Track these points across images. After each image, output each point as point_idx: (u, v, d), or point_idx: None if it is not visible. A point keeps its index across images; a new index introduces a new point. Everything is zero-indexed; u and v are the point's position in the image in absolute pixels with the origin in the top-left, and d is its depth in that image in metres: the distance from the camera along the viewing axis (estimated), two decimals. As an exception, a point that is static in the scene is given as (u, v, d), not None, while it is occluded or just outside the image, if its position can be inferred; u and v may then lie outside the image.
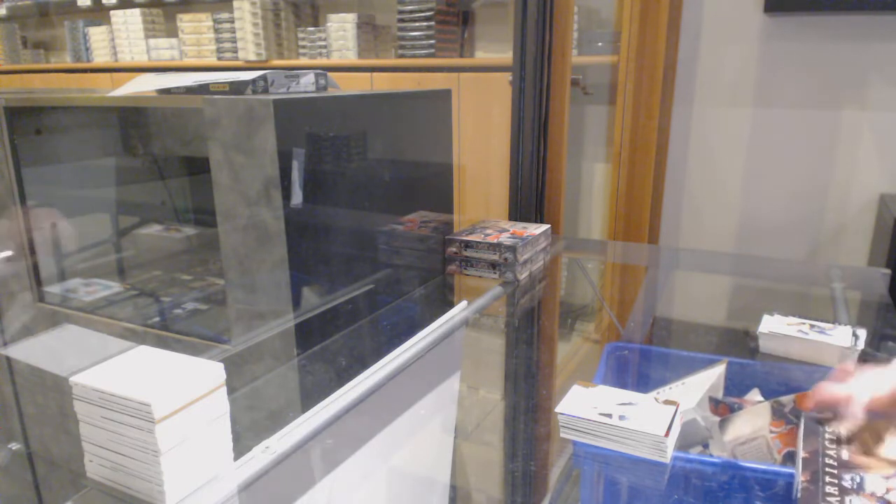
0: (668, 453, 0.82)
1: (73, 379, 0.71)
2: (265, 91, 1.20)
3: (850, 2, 2.09)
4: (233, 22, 3.35)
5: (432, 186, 1.57)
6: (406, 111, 1.43)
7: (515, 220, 1.85)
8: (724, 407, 1.05)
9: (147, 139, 1.47)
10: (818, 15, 2.21)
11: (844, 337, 1.11)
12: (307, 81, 1.30)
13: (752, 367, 1.15)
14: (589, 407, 0.88)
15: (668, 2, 2.17)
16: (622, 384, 1.19)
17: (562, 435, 0.88)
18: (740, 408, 1.03)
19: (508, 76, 1.84)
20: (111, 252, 1.75)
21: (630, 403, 0.89)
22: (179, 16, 3.55)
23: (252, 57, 3.30)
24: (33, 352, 1.49)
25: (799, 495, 0.71)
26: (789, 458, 0.95)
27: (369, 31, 3.15)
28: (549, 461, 0.99)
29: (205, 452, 0.73)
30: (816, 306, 1.52)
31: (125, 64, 3.84)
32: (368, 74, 2.94)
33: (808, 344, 1.11)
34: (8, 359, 1.52)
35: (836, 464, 0.74)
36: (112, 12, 3.81)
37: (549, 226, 1.67)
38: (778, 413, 0.99)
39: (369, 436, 0.95)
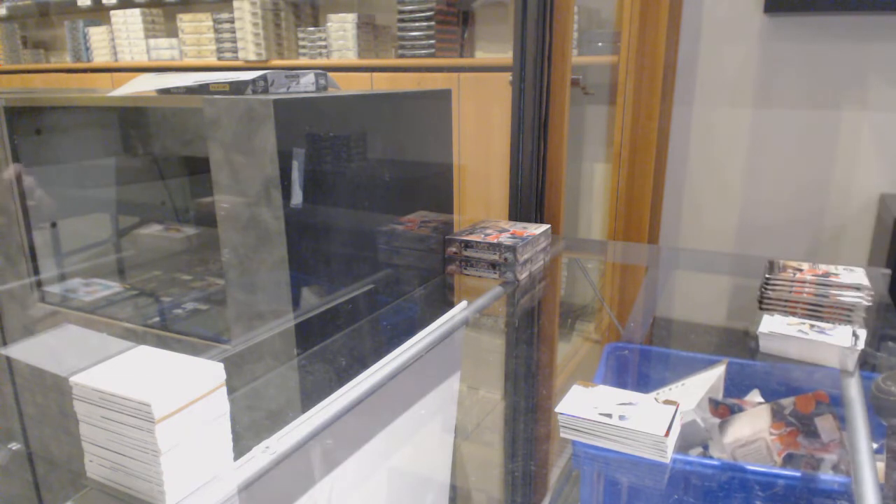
0: (668, 453, 0.82)
1: (73, 379, 0.71)
2: (265, 91, 1.20)
3: (850, 2, 2.09)
4: (233, 22, 3.35)
5: (432, 186, 1.57)
6: (406, 111, 1.43)
7: (515, 220, 1.85)
8: (723, 408, 1.05)
9: (147, 139, 1.47)
10: (818, 15, 2.21)
11: (844, 337, 1.11)
12: (307, 81, 1.30)
13: (752, 368, 1.15)
14: (589, 407, 0.88)
15: (668, 2, 2.17)
16: (622, 384, 1.19)
17: (562, 435, 0.88)
18: (740, 409, 1.03)
19: (508, 76, 1.84)
20: (111, 252, 1.75)
21: (630, 403, 0.89)
22: (179, 16, 3.55)
23: (252, 57, 3.30)
24: (33, 352, 1.50)
25: None
26: (789, 460, 0.96)
27: (369, 31, 3.15)
28: (549, 461, 0.99)
29: (205, 452, 0.73)
30: (816, 306, 1.52)
31: (125, 64, 3.84)
32: (368, 74, 2.94)
33: (808, 344, 1.11)
34: (8, 359, 1.52)
35: None
36: (112, 12, 3.80)
37: (549, 226, 1.67)
38: (778, 415, 0.99)
39: (369, 436, 0.95)
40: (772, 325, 1.16)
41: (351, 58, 3.11)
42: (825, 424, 0.97)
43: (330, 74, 1.38)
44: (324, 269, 1.21)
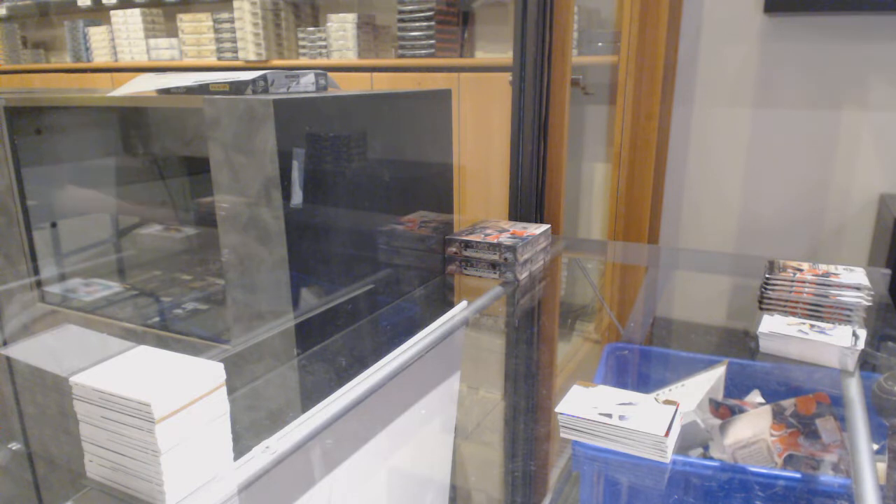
0: (669, 453, 0.82)
1: (73, 379, 0.71)
2: (265, 91, 1.20)
3: (850, 2, 2.09)
4: (233, 22, 3.35)
5: (432, 186, 1.57)
6: (406, 111, 1.43)
7: (515, 220, 1.85)
8: (724, 409, 1.05)
9: (147, 139, 1.47)
10: (818, 15, 2.21)
11: (844, 337, 1.11)
12: (307, 81, 1.30)
13: (752, 368, 1.15)
14: (589, 407, 0.88)
15: (668, 2, 2.17)
16: (622, 384, 1.19)
17: (562, 435, 0.88)
18: (741, 410, 1.03)
19: (508, 76, 1.84)
20: (111, 252, 1.75)
21: (630, 403, 0.89)
22: (179, 16, 3.55)
23: (252, 57, 3.30)
24: (33, 352, 1.49)
25: None
26: (789, 461, 0.95)
27: (369, 31, 3.15)
28: (549, 461, 0.99)
29: (205, 452, 0.73)
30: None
31: (125, 64, 3.84)
32: (368, 74, 2.94)
33: (808, 344, 1.11)
34: (8, 359, 1.52)
35: None
36: (112, 12, 3.80)
37: (549, 226, 1.67)
38: (779, 416, 0.99)
39: (369, 436, 0.95)
40: (772, 325, 1.16)
41: (351, 58, 3.11)
42: (826, 426, 0.97)
43: (330, 74, 1.38)
44: (324, 269, 1.21)
